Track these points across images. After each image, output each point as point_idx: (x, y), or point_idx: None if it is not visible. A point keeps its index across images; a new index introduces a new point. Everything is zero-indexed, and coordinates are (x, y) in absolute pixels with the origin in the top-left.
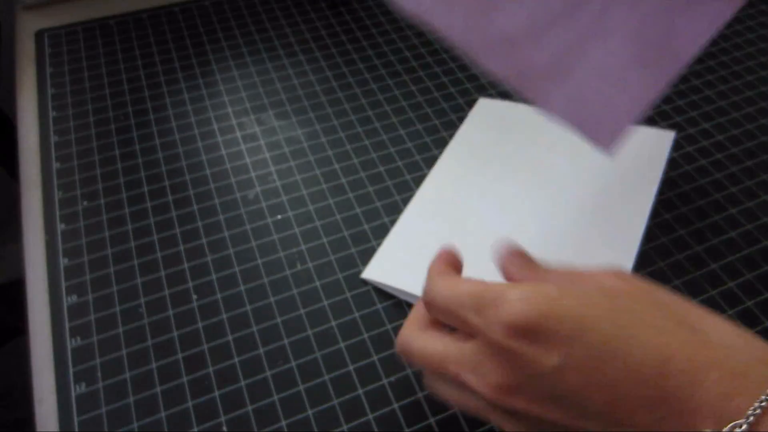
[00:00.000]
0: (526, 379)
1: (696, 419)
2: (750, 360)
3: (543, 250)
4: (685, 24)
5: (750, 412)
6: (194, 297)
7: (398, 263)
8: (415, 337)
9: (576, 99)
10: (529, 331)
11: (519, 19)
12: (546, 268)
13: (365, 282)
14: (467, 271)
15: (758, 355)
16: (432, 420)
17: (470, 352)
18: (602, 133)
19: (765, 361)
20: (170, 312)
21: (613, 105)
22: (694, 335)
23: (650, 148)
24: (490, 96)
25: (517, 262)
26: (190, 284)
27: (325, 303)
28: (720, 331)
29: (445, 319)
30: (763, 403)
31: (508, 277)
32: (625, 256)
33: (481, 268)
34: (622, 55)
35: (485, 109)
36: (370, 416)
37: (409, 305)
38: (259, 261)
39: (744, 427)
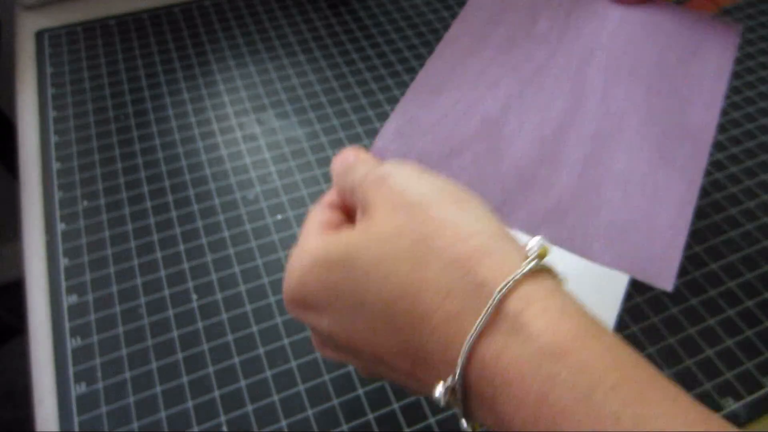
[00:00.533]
0: (322, 337)
1: (435, 366)
2: (468, 289)
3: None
4: (691, 88)
5: (466, 340)
6: (194, 297)
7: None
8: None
9: (617, 234)
10: (298, 302)
11: (526, 144)
12: (351, 183)
13: None
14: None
15: (474, 281)
16: (432, 420)
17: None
18: (659, 269)
19: (479, 288)
20: (170, 312)
21: (656, 226)
22: (415, 274)
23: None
24: None
25: (340, 178)
26: (190, 284)
27: None
28: (443, 262)
29: None
30: (477, 329)
31: (337, 186)
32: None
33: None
34: (643, 154)
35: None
36: (370, 416)
37: None
38: (259, 261)
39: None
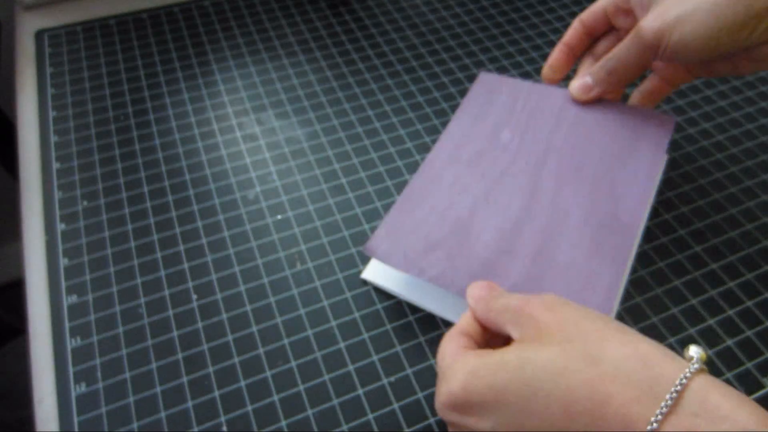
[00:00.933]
0: None
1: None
2: (643, 379)
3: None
4: (625, 187)
5: (653, 419)
6: (194, 297)
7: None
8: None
9: None
10: (460, 405)
11: (490, 237)
12: (502, 298)
13: (365, 282)
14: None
15: (650, 374)
16: (432, 420)
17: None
18: None
19: (656, 379)
20: (170, 312)
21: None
22: (592, 369)
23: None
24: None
25: (477, 291)
26: (190, 284)
27: (325, 303)
28: (617, 358)
29: None
30: (663, 410)
31: (475, 315)
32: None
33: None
34: (582, 244)
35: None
36: (370, 416)
37: (409, 306)
38: (259, 261)
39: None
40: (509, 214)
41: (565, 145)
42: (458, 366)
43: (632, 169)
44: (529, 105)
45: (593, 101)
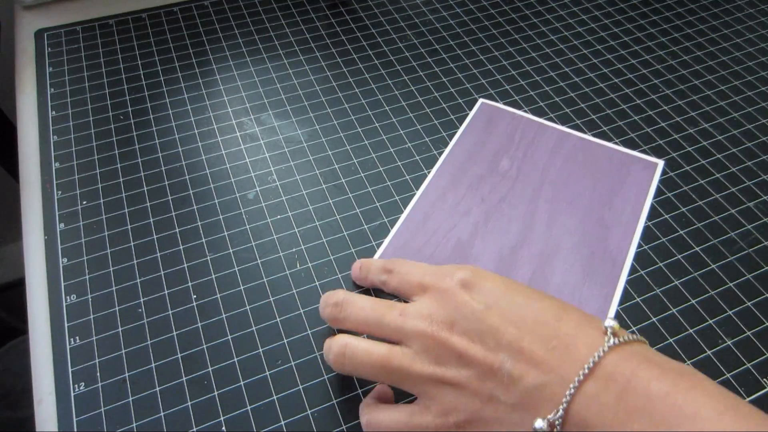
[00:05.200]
0: (460, 316)
1: (578, 348)
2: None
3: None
4: (614, 219)
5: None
6: (194, 297)
7: None
8: (359, 301)
9: None
10: (469, 284)
11: (489, 260)
12: None
13: None
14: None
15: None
16: None
17: (411, 304)
18: None
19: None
20: (170, 312)
21: None
22: (580, 312)
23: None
24: (489, 97)
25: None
26: (190, 284)
27: None
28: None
29: (398, 287)
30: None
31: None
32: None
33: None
34: (574, 271)
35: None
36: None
37: None
38: (259, 261)
39: (609, 342)
40: (507, 237)
41: (559, 178)
42: (472, 267)
43: (619, 208)
44: (527, 137)
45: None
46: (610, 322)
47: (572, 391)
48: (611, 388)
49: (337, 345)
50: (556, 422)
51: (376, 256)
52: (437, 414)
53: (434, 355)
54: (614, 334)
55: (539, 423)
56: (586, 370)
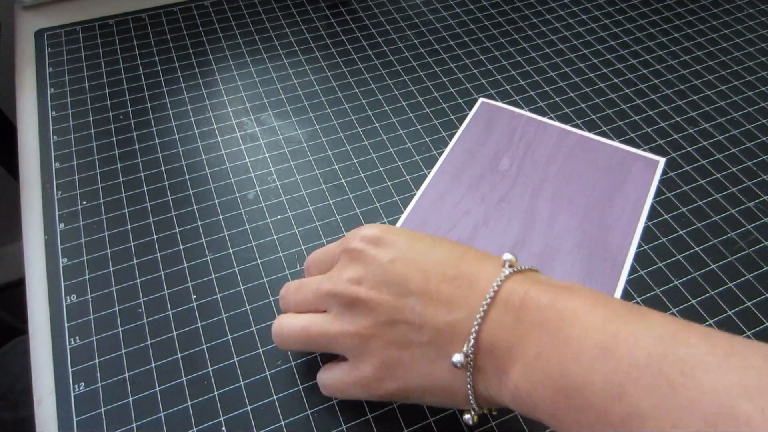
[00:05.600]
0: (369, 270)
1: (479, 282)
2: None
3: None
4: (614, 219)
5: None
6: (193, 297)
7: None
8: (288, 285)
9: None
10: (375, 239)
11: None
12: None
13: None
14: None
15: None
16: (431, 420)
17: (328, 274)
18: None
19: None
20: (169, 312)
21: None
22: (479, 251)
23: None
24: (489, 97)
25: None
26: (190, 284)
27: None
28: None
29: (317, 266)
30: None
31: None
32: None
33: None
34: (574, 270)
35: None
36: (369, 416)
37: None
38: (259, 261)
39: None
40: (508, 237)
41: (559, 176)
42: (374, 224)
43: (620, 206)
44: (527, 136)
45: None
46: (508, 255)
47: (479, 320)
48: (509, 310)
49: (274, 324)
50: (470, 353)
51: None
52: (367, 366)
53: (349, 312)
54: (510, 265)
55: (456, 357)
56: (488, 300)
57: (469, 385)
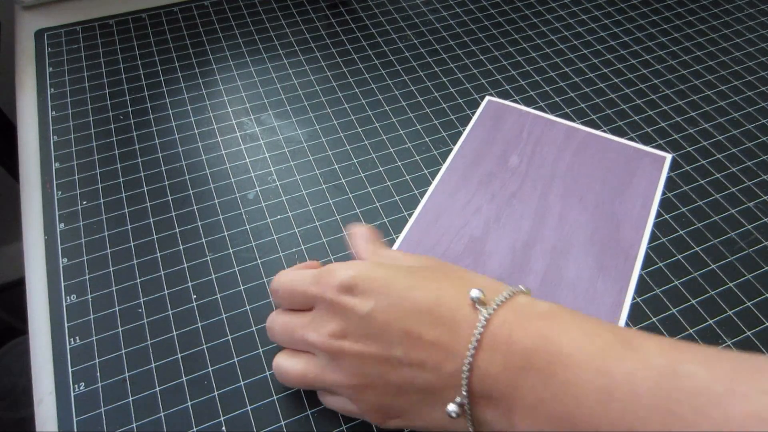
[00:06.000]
0: (350, 324)
1: (460, 326)
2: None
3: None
4: (624, 214)
5: (491, 309)
6: (194, 297)
7: None
8: (275, 317)
9: None
10: (351, 287)
11: (502, 256)
12: (384, 249)
13: None
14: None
15: (493, 287)
16: None
17: (311, 317)
18: None
19: (496, 289)
20: (169, 312)
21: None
22: (457, 283)
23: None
24: (490, 96)
25: (364, 240)
26: (190, 284)
27: None
28: (476, 280)
29: (290, 300)
30: (501, 300)
31: (356, 251)
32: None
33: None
34: (587, 265)
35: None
36: None
37: None
38: (259, 261)
39: (485, 315)
40: (520, 233)
41: (568, 173)
42: (349, 263)
43: (630, 201)
44: (535, 133)
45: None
46: (475, 292)
47: (467, 371)
48: (496, 358)
49: (274, 363)
50: (464, 402)
51: None
52: (368, 410)
53: (338, 364)
54: (483, 304)
55: (451, 407)
56: (472, 350)
57: (471, 430)
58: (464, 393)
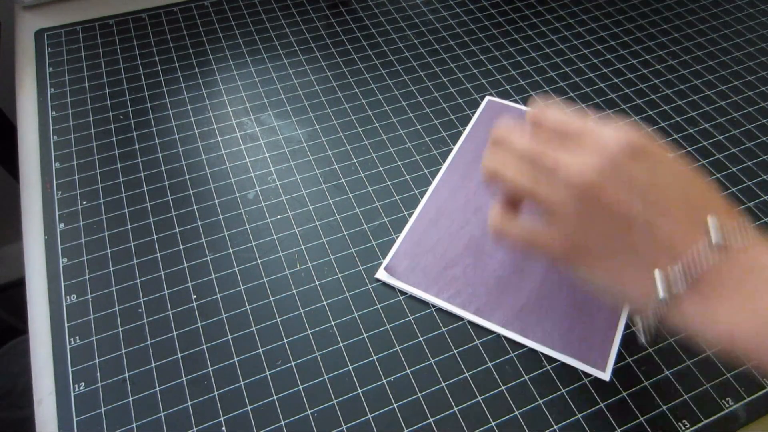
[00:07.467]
0: (618, 180)
1: (705, 212)
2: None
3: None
4: None
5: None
6: (193, 297)
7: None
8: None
9: (567, 327)
10: (639, 148)
11: (502, 256)
12: None
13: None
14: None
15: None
16: (431, 420)
17: (582, 164)
18: (596, 359)
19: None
20: (169, 312)
21: (593, 325)
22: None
23: None
24: (490, 96)
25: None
26: (190, 284)
27: (324, 303)
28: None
29: (557, 131)
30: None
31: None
32: None
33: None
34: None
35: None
36: (369, 416)
37: (408, 307)
38: (259, 261)
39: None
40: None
41: None
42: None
43: None
44: None
45: None
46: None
47: (695, 251)
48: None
49: (493, 217)
50: (677, 276)
51: (391, 252)
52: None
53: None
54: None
55: (657, 274)
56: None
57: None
58: (679, 269)
